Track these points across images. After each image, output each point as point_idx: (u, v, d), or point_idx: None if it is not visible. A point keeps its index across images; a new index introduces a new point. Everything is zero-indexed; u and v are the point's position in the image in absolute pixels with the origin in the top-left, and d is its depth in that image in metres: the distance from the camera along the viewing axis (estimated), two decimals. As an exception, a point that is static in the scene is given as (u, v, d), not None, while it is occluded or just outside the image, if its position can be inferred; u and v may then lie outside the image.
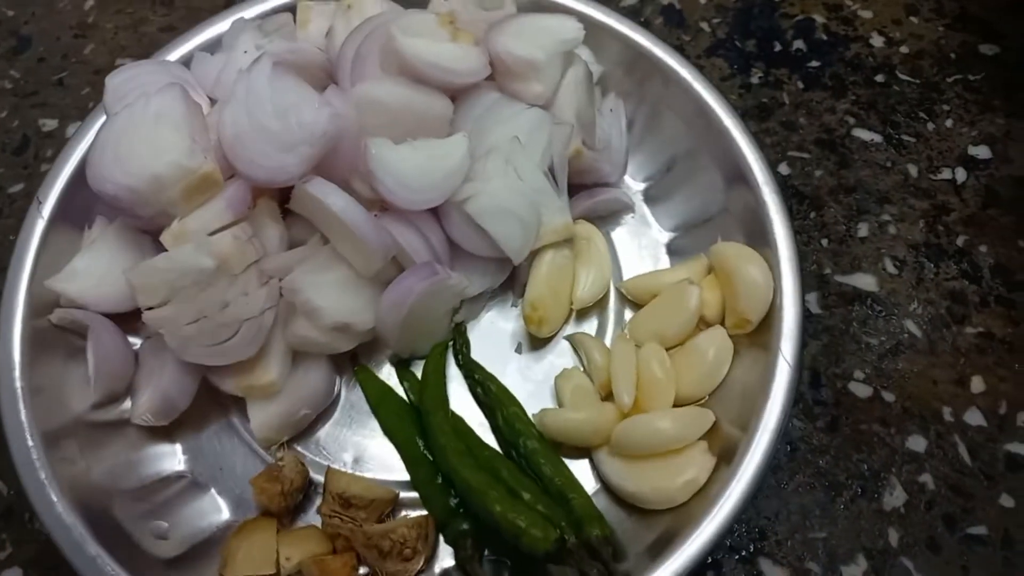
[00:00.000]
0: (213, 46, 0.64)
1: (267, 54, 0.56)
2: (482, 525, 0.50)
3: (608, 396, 0.56)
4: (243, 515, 0.54)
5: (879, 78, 0.75)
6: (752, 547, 0.55)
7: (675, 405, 0.54)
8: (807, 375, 0.61)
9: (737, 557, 0.54)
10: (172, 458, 0.56)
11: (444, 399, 0.56)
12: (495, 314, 0.62)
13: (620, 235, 0.65)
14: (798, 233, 0.66)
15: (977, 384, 0.60)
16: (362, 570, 0.51)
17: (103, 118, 0.58)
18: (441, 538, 0.52)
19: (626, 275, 0.63)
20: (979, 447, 0.58)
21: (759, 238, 0.57)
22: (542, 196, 0.58)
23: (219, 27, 0.64)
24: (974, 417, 0.59)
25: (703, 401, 0.55)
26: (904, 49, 0.77)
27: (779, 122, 0.73)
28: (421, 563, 0.50)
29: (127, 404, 0.57)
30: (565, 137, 0.59)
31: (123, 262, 0.56)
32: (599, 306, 0.62)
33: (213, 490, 0.55)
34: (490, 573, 0.51)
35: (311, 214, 0.55)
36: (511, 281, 0.62)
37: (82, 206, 0.59)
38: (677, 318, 0.56)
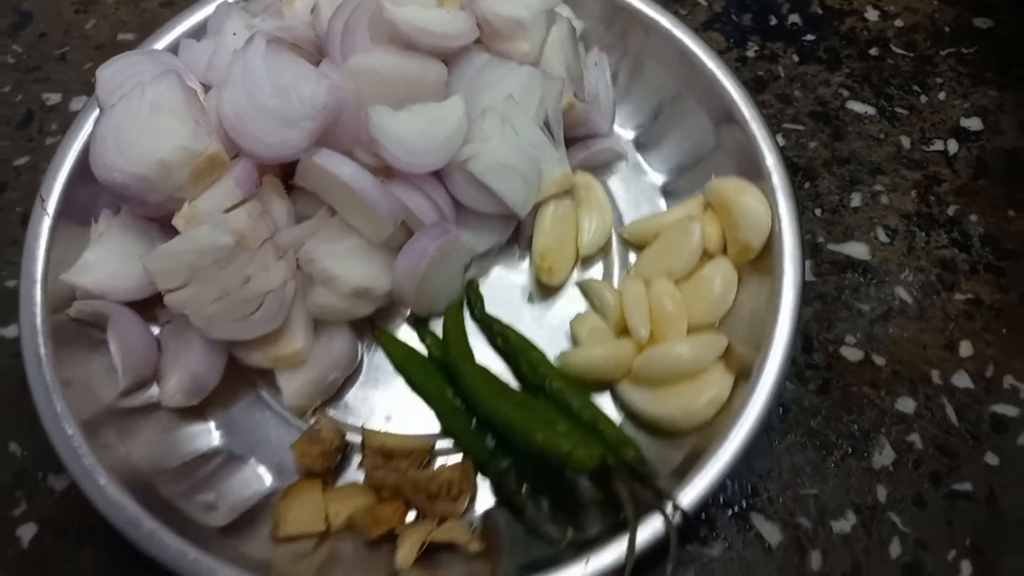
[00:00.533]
0: (197, 32, 0.65)
1: (260, 33, 0.56)
2: (521, 462, 0.52)
3: (623, 334, 0.58)
4: (285, 481, 0.55)
5: (873, 51, 0.76)
6: (744, 503, 0.56)
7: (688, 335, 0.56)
8: (800, 340, 0.61)
9: (730, 513, 0.56)
10: (207, 435, 0.57)
11: (469, 350, 0.58)
12: (504, 268, 0.64)
13: (615, 184, 0.67)
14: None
15: (965, 348, 0.61)
16: (409, 516, 0.53)
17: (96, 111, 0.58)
18: (479, 480, 0.54)
19: (626, 221, 0.65)
20: (966, 408, 0.59)
21: (752, 170, 0.59)
22: (540, 150, 0.60)
23: (206, 11, 0.64)
24: (962, 380, 0.60)
25: (715, 329, 0.57)
26: (898, 23, 0.77)
27: (774, 95, 0.73)
28: (467, 502, 0.52)
29: (154, 390, 0.57)
30: (557, 91, 0.61)
31: (133, 250, 0.57)
32: (603, 253, 0.64)
33: (252, 460, 0.56)
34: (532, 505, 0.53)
35: (317, 186, 0.56)
36: (516, 236, 0.63)
37: (85, 201, 0.59)
38: (682, 253, 0.58)
